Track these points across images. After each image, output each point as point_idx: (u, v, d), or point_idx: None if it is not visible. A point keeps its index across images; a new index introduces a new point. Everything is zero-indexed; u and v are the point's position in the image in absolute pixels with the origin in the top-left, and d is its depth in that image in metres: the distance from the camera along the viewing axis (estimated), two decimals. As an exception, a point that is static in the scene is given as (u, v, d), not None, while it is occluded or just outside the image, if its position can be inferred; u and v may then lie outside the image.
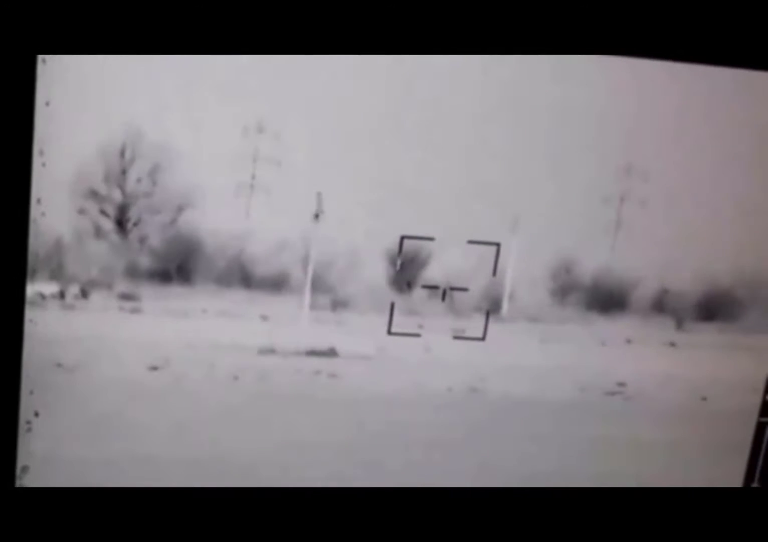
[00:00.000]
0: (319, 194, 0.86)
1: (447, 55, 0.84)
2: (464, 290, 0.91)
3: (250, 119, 0.84)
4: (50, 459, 0.89)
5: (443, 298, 0.91)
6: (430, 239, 0.89)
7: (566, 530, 0.95)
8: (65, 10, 0.78)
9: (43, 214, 0.82)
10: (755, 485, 0.98)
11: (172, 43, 0.80)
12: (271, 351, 0.89)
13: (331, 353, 0.90)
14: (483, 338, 0.92)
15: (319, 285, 0.89)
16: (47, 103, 0.81)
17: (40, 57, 0.79)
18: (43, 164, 0.82)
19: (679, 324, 0.95)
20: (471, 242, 0.90)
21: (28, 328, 0.85)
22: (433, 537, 0.94)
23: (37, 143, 0.81)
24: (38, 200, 0.82)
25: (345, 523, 0.92)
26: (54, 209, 0.83)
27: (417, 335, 0.91)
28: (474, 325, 0.92)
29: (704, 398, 0.96)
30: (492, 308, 0.92)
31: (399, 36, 0.82)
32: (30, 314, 0.85)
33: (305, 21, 0.81)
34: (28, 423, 0.87)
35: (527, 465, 0.95)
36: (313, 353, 0.90)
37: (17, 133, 0.81)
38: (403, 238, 0.89)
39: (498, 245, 0.90)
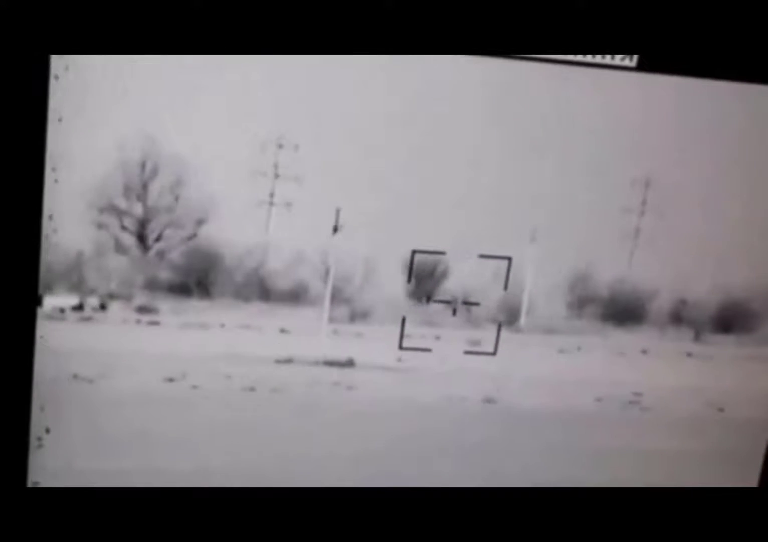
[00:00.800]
0: (338, 210, 0.86)
1: (465, 69, 0.84)
2: (475, 304, 0.91)
3: (270, 134, 0.84)
4: (61, 475, 0.89)
5: (454, 313, 0.91)
6: (442, 253, 0.89)
7: (577, 534, 0.95)
8: (80, 24, 0.78)
9: (55, 230, 0.82)
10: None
11: (184, 41, 0.79)
12: (288, 362, 0.89)
13: (349, 364, 0.90)
14: (494, 353, 0.92)
15: (337, 297, 0.89)
16: (60, 120, 0.80)
17: (52, 73, 0.79)
18: (56, 181, 0.81)
19: (697, 335, 0.95)
20: (482, 256, 0.90)
21: (40, 344, 0.85)
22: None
23: (50, 160, 0.81)
24: (50, 217, 0.82)
25: (353, 526, 0.92)
26: (71, 223, 0.83)
27: (428, 349, 0.92)
28: (490, 336, 0.92)
29: (721, 409, 0.96)
30: (508, 320, 0.92)
31: (410, 36, 0.82)
32: (41, 330, 0.85)
33: (324, 21, 0.81)
34: (39, 439, 0.87)
35: (543, 476, 0.95)
36: (331, 364, 0.90)
37: (30, 150, 0.81)
38: (414, 252, 0.89)
39: (510, 259, 0.90)
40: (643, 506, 0.96)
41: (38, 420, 0.87)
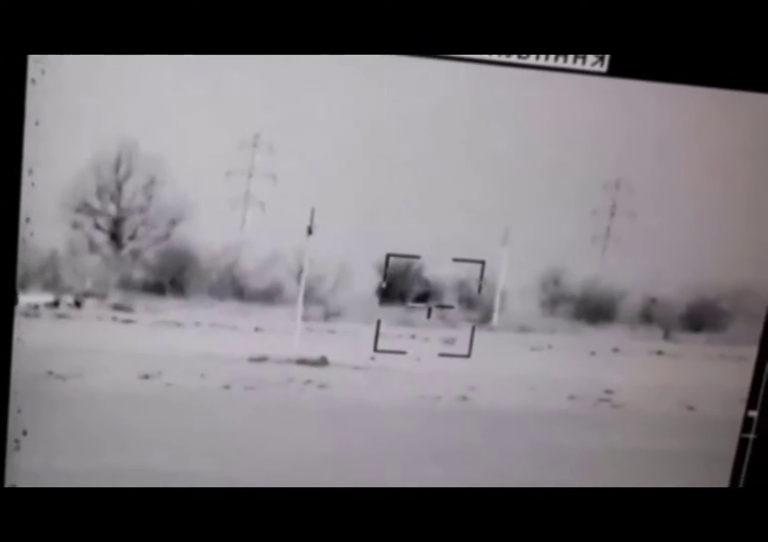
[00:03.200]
0: (312, 210, 0.87)
1: (438, 74, 0.85)
2: (450, 307, 0.92)
3: (245, 133, 0.85)
4: (39, 477, 0.89)
5: (428, 315, 0.92)
6: (416, 257, 0.90)
7: (555, 533, 0.96)
8: (57, 25, 0.78)
9: (32, 234, 0.83)
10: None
11: (164, 43, 0.80)
12: (262, 360, 0.90)
13: (322, 362, 0.91)
14: (468, 355, 0.93)
15: (311, 297, 0.90)
16: (37, 123, 0.81)
17: (29, 77, 0.80)
18: (33, 184, 0.82)
19: (667, 334, 0.96)
20: (456, 259, 0.91)
21: (17, 347, 0.86)
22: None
23: (27, 163, 0.82)
24: (27, 219, 0.83)
25: (336, 523, 0.93)
26: (47, 223, 0.83)
27: (403, 352, 0.92)
28: (464, 336, 0.93)
29: (691, 408, 0.97)
30: (481, 319, 0.93)
31: (392, 36, 0.83)
32: (18, 332, 0.85)
33: (302, 21, 0.81)
34: (17, 441, 0.88)
35: (517, 474, 0.96)
36: (304, 362, 0.91)
37: (6, 154, 0.81)
38: (389, 256, 0.90)
39: (483, 262, 0.91)
40: (616, 506, 0.97)
41: (15, 422, 0.87)
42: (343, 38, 0.82)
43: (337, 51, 0.82)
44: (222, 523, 0.91)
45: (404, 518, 0.94)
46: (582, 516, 0.96)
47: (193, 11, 0.80)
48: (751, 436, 0.98)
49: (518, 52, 0.86)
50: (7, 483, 0.88)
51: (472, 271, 0.92)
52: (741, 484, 0.99)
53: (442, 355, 0.93)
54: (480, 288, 0.92)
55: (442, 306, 0.92)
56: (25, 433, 0.88)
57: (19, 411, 0.87)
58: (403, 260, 0.90)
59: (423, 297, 0.92)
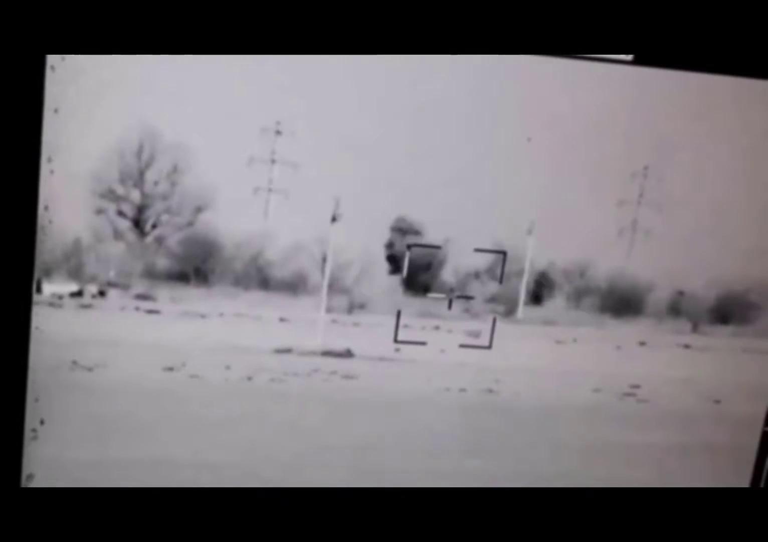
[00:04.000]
0: (337, 198, 0.86)
1: (461, 62, 0.84)
2: (471, 297, 0.91)
3: (268, 121, 0.84)
4: (56, 466, 0.88)
5: (450, 305, 0.91)
6: (437, 247, 0.89)
7: (572, 530, 0.95)
8: (75, 16, 0.78)
9: (51, 221, 0.82)
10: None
11: (184, 43, 0.80)
12: (287, 352, 0.89)
13: (347, 354, 0.90)
14: (489, 347, 0.92)
15: (335, 287, 0.89)
16: (56, 111, 0.81)
17: (48, 65, 0.79)
18: (51, 171, 0.82)
19: (694, 327, 0.95)
20: (478, 250, 0.90)
21: (35, 335, 0.85)
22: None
23: (46, 151, 0.81)
24: (46, 207, 0.82)
25: (351, 524, 0.92)
26: (69, 210, 0.83)
27: (423, 343, 0.92)
28: (487, 328, 0.92)
29: (717, 401, 0.96)
30: (505, 312, 0.92)
31: (411, 35, 0.82)
32: (36, 321, 0.85)
33: (320, 21, 0.81)
34: (34, 430, 0.87)
35: (541, 466, 0.95)
36: (328, 353, 0.90)
37: (25, 142, 0.81)
38: (409, 246, 0.89)
39: (504, 253, 0.90)
40: (637, 504, 0.96)
41: (33, 411, 0.87)
42: (356, 38, 0.82)
43: (348, 51, 0.82)
44: (236, 523, 0.90)
45: (429, 511, 0.93)
46: (603, 515, 0.95)
47: (206, 12, 0.79)
48: (776, 429, 0.97)
49: (539, 52, 0.85)
50: (25, 472, 0.88)
51: (495, 262, 0.91)
52: (764, 477, 0.98)
53: (463, 346, 0.92)
54: (501, 279, 0.91)
55: (462, 297, 0.91)
56: (42, 422, 0.87)
57: (36, 400, 0.86)
58: (427, 251, 0.89)
59: (445, 288, 0.91)
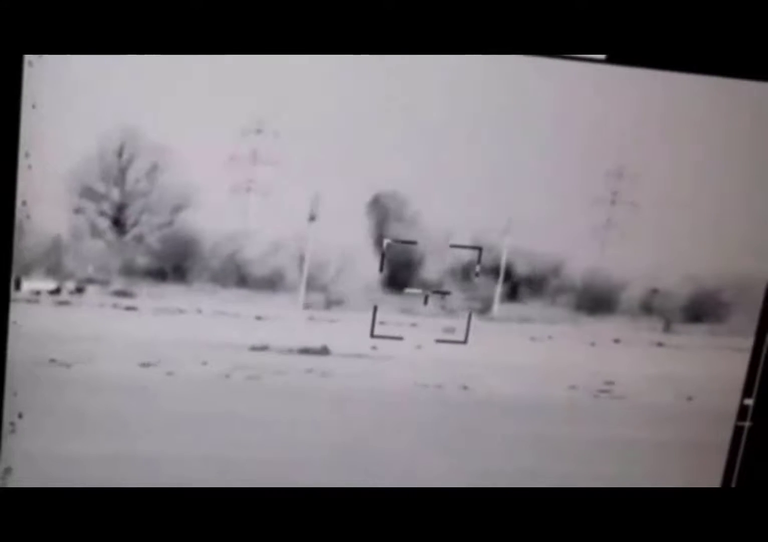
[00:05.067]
0: (315, 196, 0.87)
1: (439, 61, 0.85)
2: (446, 293, 0.92)
3: (249, 120, 0.85)
4: (34, 460, 0.89)
5: (426, 301, 0.92)
6: (413, 243, 0.90)
7: (551, 530, 0.96)
8: (53, 12, 0.78)
9: (28, 216, 0.83)
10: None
11: (163, 44, 0.80)
12: (264, 349, 0.90)
13: (324, 351, 0.91)
14: (465, 342, 0.93)
15: (313, 285, 0.90)
16: (34, 106, 0.81)
17: (26, 60, 0.80)
18: (29, 166, 0.82)
19: (667, 325, 0.96)
20: (454, 246, 0.91)
21: (13, 331, 0.85)
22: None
23: (23, 146, 0.82)
24: (23, 203, 0.83)
25: (335, 525, 0.93)
26: (48, 207, 0.83)
27: (399, 338, 0.92)
28: (462, 325, 0.93)
29: (690, 398, 0.98)
30: (481, 309, 0.93)
31: (397, 37, 0.83)
32: (14, 315, 0.85)
33: (301, 21, 0.81)
34: (12, 424, 0.88)
35: (516, 462, 0.96)
36: (306, 351, 0.91)
37: (2, 137, 0.81)
38: (386, 242, 0.90)
39: (480, 248, 0.91)
40: (610, 503, 0.97)
41: (11, 405, 0.87)
42: (339, 38, 0.82)
43: (333, 51, 0.83)
44: (220, 524, 0.91)
45: (401, 517, 0.94)
46: (573, 514, 0.96)
47: (189, 12, 0.80)
48: (747, 424, 0.98)
49: (518, 52, 0.86)
50: (2, 465, 0.88)
51: (471, 259, 0.92)
52: (736, 472, 0.99)
53: (439, 341, 0.93)
54: (477, 274, 0.92)
55: (438, 293, 0.92)
56: (20, 416, 0.87)
57: (15, 395, 0.87)
58: (403, 248, 0.90)
59: (421, 284, 0.92)
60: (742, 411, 0.98)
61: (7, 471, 0.89)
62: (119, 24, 0.79)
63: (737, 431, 0.99)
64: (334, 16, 0.82)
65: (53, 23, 0.78)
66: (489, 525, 0.94)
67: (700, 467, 0.99)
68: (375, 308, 0.91)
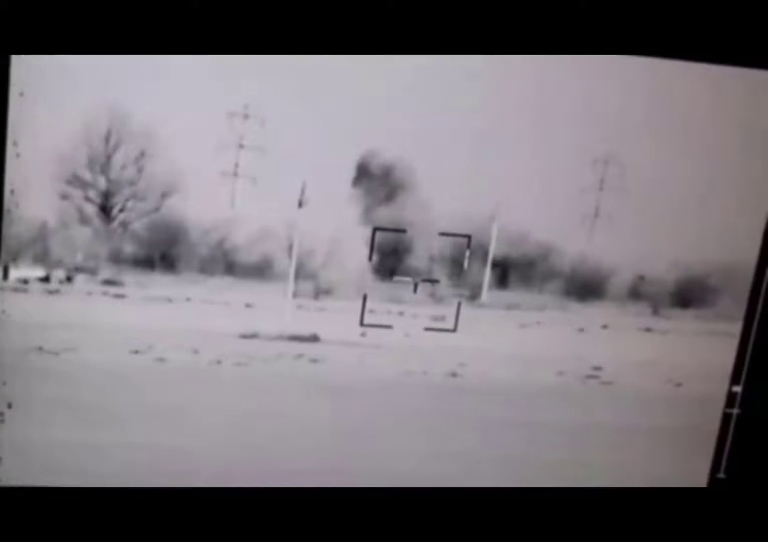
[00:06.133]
0: (303, 183, 0.87)
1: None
2: (435, 281, 0.92)
3: (236, 106, 0.84)
4: (25, 449, 0.89)
5: (415, 290, 0.92)
6: (402, 231, 0.90)
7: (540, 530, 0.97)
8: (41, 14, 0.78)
9: (17, 204, 0.83)
10: (721, 475, 1.00)
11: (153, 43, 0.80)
12: (253, 337, 0.90)
13: (313, 338, 0.91)
14: (454, 330, 0.93)
15: (302, 272, 0.90)
16: (21, 94, 0.81)
17: None
18: (18, 155, 0.82)
19: (655, 310, 0.96)
20: (442, 234, 0.91)
21: (1, 320, 0.85)
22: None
23: (11, 134, 0.82)
24: (12, 191, 0.82)
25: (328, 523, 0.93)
26: (35, 195, 0.83)
27: (389, 326, 0.92)
28: (452, 312, 0.93)
29: (679, 384, 0.98)
30: (470, 296, 0.93)
31: (392, 36, 0.83)
32: (2, 306, 0.85)
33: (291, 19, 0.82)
34: (1, 414, 0.87)
35: (505, 448, 0.96)
36: (295, 338, 0.91)
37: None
38: (375, 229, 0.90)
39: (469, 236, 0.91)
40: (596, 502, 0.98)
41: (0, 394, 0.87)
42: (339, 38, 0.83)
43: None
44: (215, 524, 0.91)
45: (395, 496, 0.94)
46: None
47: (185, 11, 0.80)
48: (735, 411, 0.98)
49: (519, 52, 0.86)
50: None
51: (460, 246, 0.92)
52: (724, 460, 0.99)
53: (428, 329, 0.93)
54: (467, 262, 0.92)
55: (427, 280, 0.92)
56: (10, 406, 0.87)
57: (4, 384, 0.86)
58: (393, 236, 0.90)
59: (411, 272, 0.92)
60: (731, 398, 0.98)
61: (-2, 459, 0.89)
62: (109, 21, 0.79)
63: (725, 418, 0.99)
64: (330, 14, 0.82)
65: (40, 20, 0.78)
66: (477, 523, 0.95)
67: (689, 453, 0.99)
68: (365, 297, 0.91)
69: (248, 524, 0.92)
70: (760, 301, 0.95)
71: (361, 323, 0.92)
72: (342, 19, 0.82)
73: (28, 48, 0.79)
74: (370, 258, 0.91)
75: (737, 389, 0.98)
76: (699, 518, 0.99)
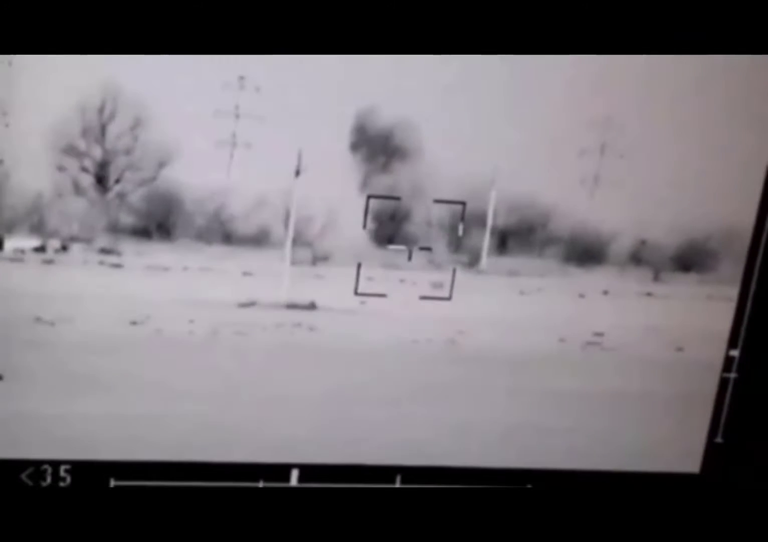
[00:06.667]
0: (300, 151, 0.86)
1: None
2: (428, 249, 0.92)
3: (231, 74, 0.84)
4: (19, 422, 0.88)
5: (409, 258, 0.92)
6: (397, 198, 0.90)
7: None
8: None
9: (7, 175, 0.82)
10: (718, 439, 1.00)
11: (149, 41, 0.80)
12: (251, 305, 0.90)
13: (311, 306, 0.91)
14: (449, 298, 0.93)
15: (299, 241, 0.89)
16: (10, 63, 0.80)
17: None
18: (7, 125, 0.81)
19: (656, 275, 0.96)
20: (437, 201, 0.90)
21: None
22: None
23: (0, 104, 0.81)
24: (1, 161, 0.82)
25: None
26: (28, 166, 0.82)
27: (383, 295, 0.92)
28: (449, 279, 0.93)
29: (680, 349, 0.98)
30: (469, 263, 0.93)
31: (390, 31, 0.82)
32: None
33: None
34: None
35: (506, 416, 0.96)
36: (293, 306, 0.91)
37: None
38: (369, 197, 0.89)
39: (464, 203, 0.91)
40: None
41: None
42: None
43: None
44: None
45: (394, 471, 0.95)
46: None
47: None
48: (732, 375, 0.98)
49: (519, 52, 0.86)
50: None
51: (456, 213, 0.91)
52: (722, 425, 0.99)
53: (423, 298, 0.92)
54: (462, 230, 0.91)
55: (424, 248, 0.92)
56: (1, 378, 0.87)
57: None
58: (389, 203, 0.89)
59: (407, 239, 0.91)
60: (728, 363, 0.98)
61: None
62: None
63: (723, 382, 0.99)
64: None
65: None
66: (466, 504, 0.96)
67: (687, 418, 0.99)
68: (359, 265, 0.91)
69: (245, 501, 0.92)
70: (758, 264, 0.95)
71: (356, 293, 0.91)
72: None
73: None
74: (364, 226, 0.90)
75: (734, 353, 0.98)
76: (697, 484, 0.99)
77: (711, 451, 0.99)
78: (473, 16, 0.83)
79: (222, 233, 0.88)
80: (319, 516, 0.93)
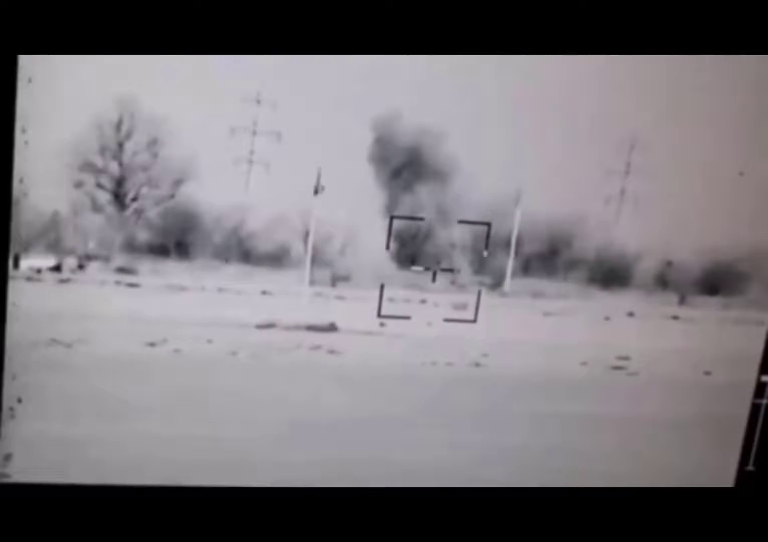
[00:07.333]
0: (319, 169, 0.85)
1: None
2: (451, 270, 0.90)
3: (249, 91, 0.83)
4: (36, 445, 0.87)
5: (433, 279, 0.90)
6: (420, 219, 0.88)
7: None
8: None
9: (25, 193, 0.81)
10: (750, 467, 0.98)
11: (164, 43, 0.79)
12: (270, 326, 0.88)
13: (331, 328, 0.89)
14: (474, 321, 0.91)
15: (318, 260, 0.88)
16: (30, 80, 0.79)
17: None
18: (26, 142, 0.80)
19: (682, 298, 0.94)
20: (462, 221, 0.89)
21: (12, 311, 0.83)
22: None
23: (20, 121, 0.80)
24: (21, 180, 0.81)
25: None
26: (46, 183, 0.81)
27: (407, 317, 0.90)
28: (473, 301, 0.91)
29: (707, 373, 0.96)
30: (492, 285, 0.91)
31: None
32: (13, 297, 0.83)
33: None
34: (11, 409, 0.86)
35: (529, 440, 0.94)
36: (312, 328, 0.89)
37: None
38: (392, 217, 0.88)
39: (489, 224, 0.89)
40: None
41: (10, 389, 0.85)
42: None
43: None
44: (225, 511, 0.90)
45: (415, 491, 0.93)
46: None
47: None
48: (764, 401, 0.96)
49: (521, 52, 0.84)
50: (2, 451, 0.86)
51: (480, 233, 0.90)
52: (753, 450, 0.97)
53: (448, 320, 0.91)
54: (486, 251, 0.90)
55: (447, 270, 0.90)
56: (20, 401, 0.85)
57: (14, 378, 0.85)
58: (412, 223, 0.88)
59: (430, 260, 0.90)
60: (760, 388, 0.96)
61: (8, 457, 0.87)
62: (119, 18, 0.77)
63: (754, 408, 0.97)
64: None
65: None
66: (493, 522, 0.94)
67: (718, 443, 0.97)
68: (382, 287, 0.90)
69: (264, 523, 0.91)
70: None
71: (379, 315, 0.90)
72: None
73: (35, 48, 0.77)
74: (387, 247, 0.88)
75: (767, 378, 0.96)
76: (727, 512, 0.97)
77: (742, 479, 0.97)
78: (497, 40, 0.83)
79: (240, 251, 0.87)
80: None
